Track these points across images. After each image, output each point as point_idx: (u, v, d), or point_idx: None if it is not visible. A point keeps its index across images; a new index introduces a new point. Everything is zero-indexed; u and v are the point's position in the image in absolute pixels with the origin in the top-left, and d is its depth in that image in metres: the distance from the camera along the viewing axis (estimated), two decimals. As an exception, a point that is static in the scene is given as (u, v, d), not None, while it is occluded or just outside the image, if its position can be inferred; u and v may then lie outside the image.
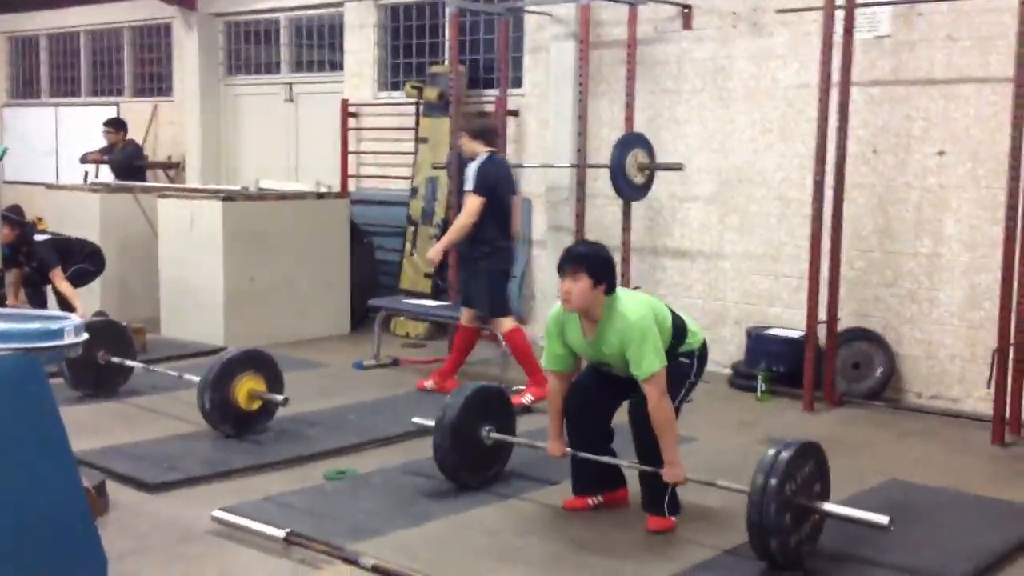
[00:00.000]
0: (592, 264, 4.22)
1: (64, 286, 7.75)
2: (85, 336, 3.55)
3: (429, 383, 6.70)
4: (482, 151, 6.40)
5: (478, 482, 4.79)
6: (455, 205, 7.93)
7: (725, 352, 7.49)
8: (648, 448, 4.31)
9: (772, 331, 7.11)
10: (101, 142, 10.83)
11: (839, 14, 6.28)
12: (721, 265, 7.59)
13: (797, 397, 6.60)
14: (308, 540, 4.09)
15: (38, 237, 7.99)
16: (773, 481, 3.79)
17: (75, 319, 3.52)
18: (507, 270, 6.60)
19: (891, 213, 6.78)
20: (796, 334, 6.86)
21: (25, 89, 13.31)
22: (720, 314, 7.57)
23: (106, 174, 10.76)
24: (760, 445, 5.70)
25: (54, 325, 3.44)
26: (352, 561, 3.92)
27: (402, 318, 8.55)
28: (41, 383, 3.35)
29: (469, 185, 6.32)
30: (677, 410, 4.38)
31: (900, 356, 6.77)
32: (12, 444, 3.22)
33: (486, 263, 6.37)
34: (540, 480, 4.89)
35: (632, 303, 4.29)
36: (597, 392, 4.52)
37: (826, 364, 6.59)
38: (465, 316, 6.65)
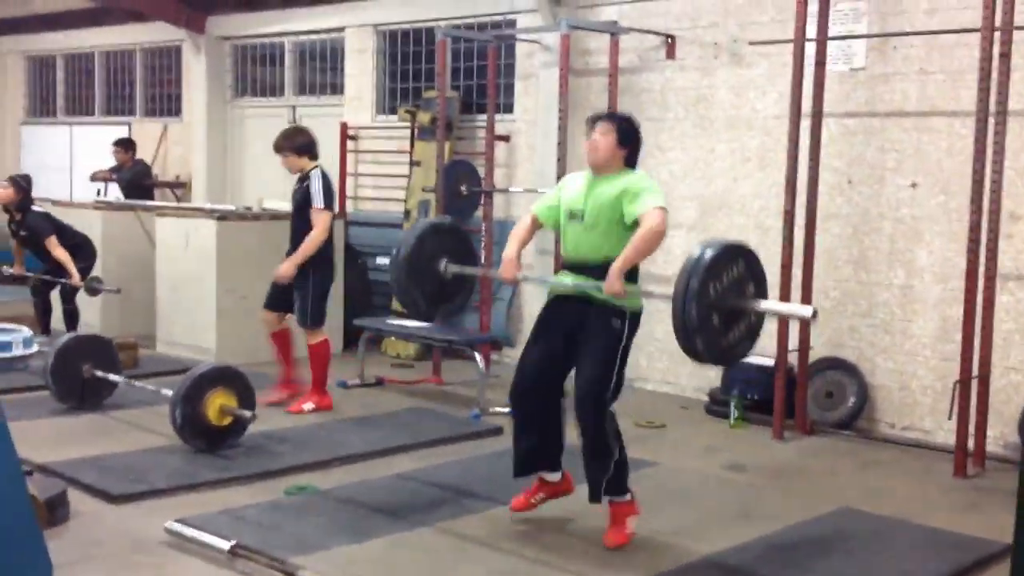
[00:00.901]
0: (623, 127, 4.48)
1: (59, 252, 7.98)
2: (35, 348, 3.70)
3: (283, 396, 6.89)
4: (310, 166, 6.62)
5: (443, 314, 5.08)
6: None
7: (704, 378, 7.55)
8: (593, 442, 4.39)
9: (747, 359, 7.15)
10: (113, 161, 11.07)
11: (812, 47, 6.37)
12: (702, 292, 7.65)
13: (770, 424, 6.65)
14: (252, 552, 4.21)
15: (35, 208, 8.25)
16: (695, 281, 3.82)
17: (26, 332, 3.66)
18: (331, 283, 6.79)
19: (865, 244, 6.84)
20: (770, 362, 6.91)
21: (42, 107, 13.63)
22: (701, 340, 7.62)
23: (116, 192, 10.99)
24: (722, 470, 5.81)
25: (3, 338, 3.59)
26: (290, 574, 4.04)
27: (393, 338, 8.68)
28: (-15, 393, 3.50)
29: (318, 202, 6.48)
30: (618, 388, 4.41)
31: (873, 386, 6.81)
32: (-47, 452, 3.38)
33: (315, 274, 6.60)
34: (489, 499, 4.99)
35: (645, 178, 4.47)
36: (542, 376, 4.56)
37: (797, 392, 6.65)
38: (272, 319, 6.83)
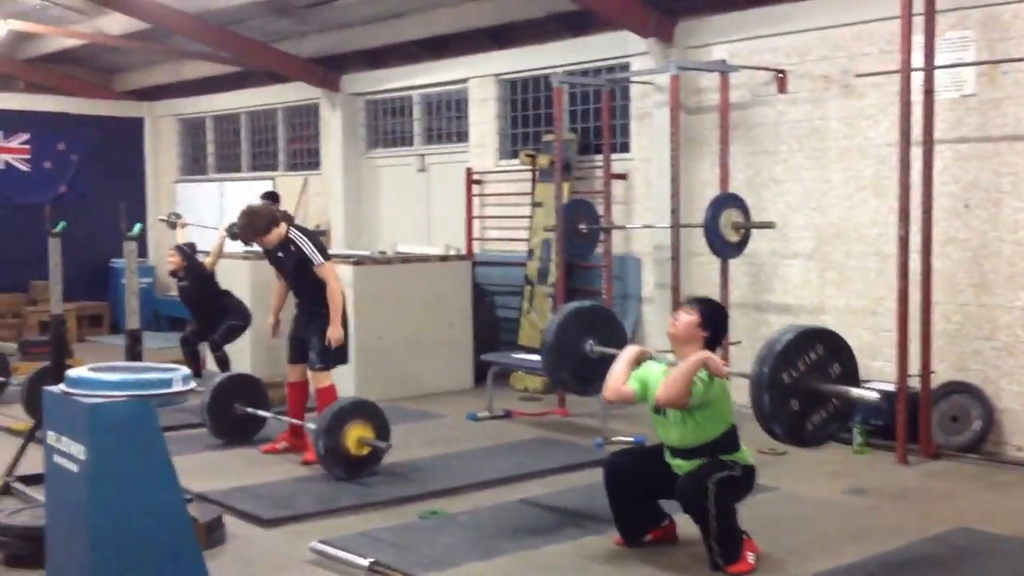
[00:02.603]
0: (708, 311, 4.75)
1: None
2: (193, 385, 4.13)
3: (281, 444, 6.94)
4: (284, 230, 6.59)
5: (594, 391, 5.28)
6: (562, 265, 8.40)
7: (828, 405, 7.62)
8: (704, 520, 4.58)
9: (869, 384, 7.21)
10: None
11: (918, 76, 6.47)
12: (823, 320, 7.73)
13: (894, 450, 6.68)
14: (388, 569, 4.57)
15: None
16: (766, 370, 3.95)
17: (184, 370, 4.10)
18: (347, 325, 6.74)
19: (986, 267, 6.84)
20: (892, 387, 6.95)
21: (194, 166, 14.63)
22: (823, 368, 7.71)
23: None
24: (841, 495, 5.90)
25: (165, 375, 4.05)
26: (423, 588, 4.38)
27: (520, 372, 9.03)
28: (152, 424, 3.95)
29: (317, 259, 6.52)
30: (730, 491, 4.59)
31: (999, 409, 6.77)
32: (127, 478, 3.84)
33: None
34: (610, 522, 5.15)
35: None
36: (642, 474, 4.85)
37: (921, 417, 6.67)
38: (297, 372, 6.87)
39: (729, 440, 4.68)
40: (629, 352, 4.88)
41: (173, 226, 10.11)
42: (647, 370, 4.83)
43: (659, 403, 4.59)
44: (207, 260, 9.02)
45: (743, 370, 4.52)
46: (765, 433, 4.15)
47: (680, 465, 4.72)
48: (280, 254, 6.68)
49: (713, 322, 4.72)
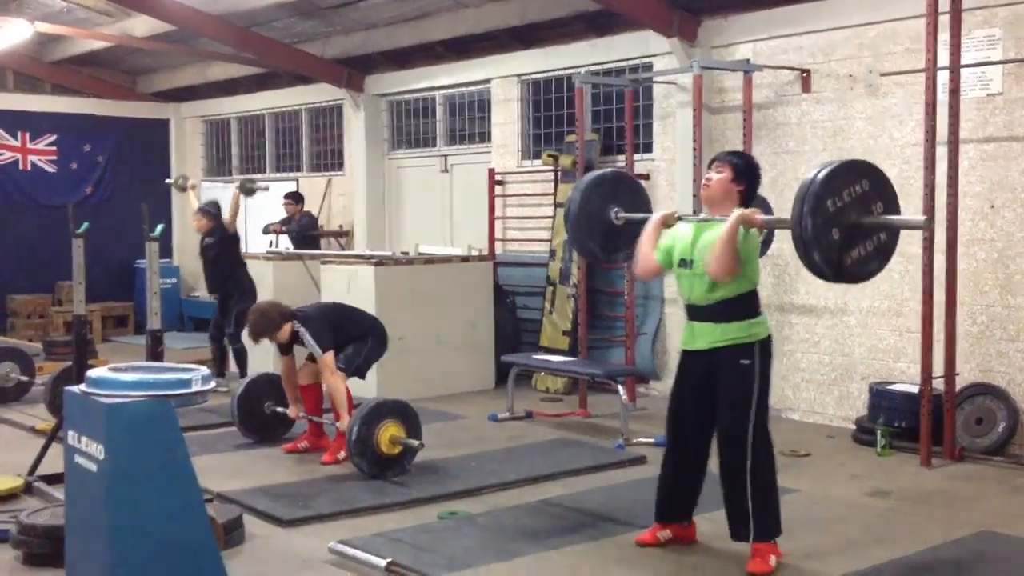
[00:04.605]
0: (739, 165, 4.59)
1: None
2: (212, 385, 4.15)
3: (302, 444, 6.97)
4: (289, 326, 6.66)
5: (624, 258, 5.25)
6: (584, 266, 8.38)
7: (852, 407, 7.57)
8: (731, 473, 4.58)
9: (893, 386, 7.16)
10: (283, 214, 11.86)
11: (944, 75, 6.40)
12: (847, 320, 7.69)
13: (918, 452, 6.62)
14: (406, 570, 4.57)
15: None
16: (811, 196, 3.84)
17: (204, 371, 4.12)
18: (381, 354, 7.10)
19: (1012, 268, 6.76)
20: (916, 389, 6.88)
21: (219, 167, 14.69)
22: (847, 369, 7.66)
23: (287, 243, 11.76)
24: (864, 497, 5.85)
25: (184, 375, 4.06)
26: (440, 589, 4.37)
27: (543, 373, 9.01)
28: (171, 424, 3.96)
29: (317, 351, 6.58)
30: (762, 419, 4.55)
31: (1025, 411, 6.70)
32: (145, 477, 3.85)
33: (374, 342, 6.94)
34: (630, 524, 5.20)
35: None
36: (694, 427, 4.77)
37: (945, 419, 6.60)
38: (310, 374, 6.91)
39: (751, 304, 4.55)
40: (653, 221, 4.75)
41: (183, 189, 10.34)
42: (671, 237, 4.70)
43: (715, 278, 4.43)
44: (226, 219, 9.27)
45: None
46: (804, 265, 4.01)
47: (702, 331, 4.59)
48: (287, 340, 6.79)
49: (747, 175, 4.56)
